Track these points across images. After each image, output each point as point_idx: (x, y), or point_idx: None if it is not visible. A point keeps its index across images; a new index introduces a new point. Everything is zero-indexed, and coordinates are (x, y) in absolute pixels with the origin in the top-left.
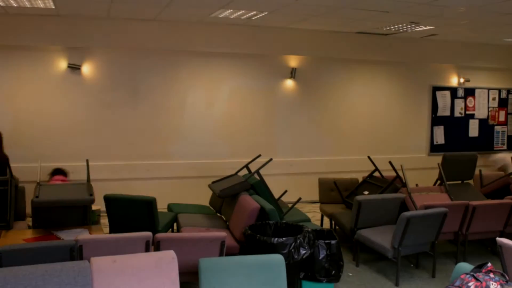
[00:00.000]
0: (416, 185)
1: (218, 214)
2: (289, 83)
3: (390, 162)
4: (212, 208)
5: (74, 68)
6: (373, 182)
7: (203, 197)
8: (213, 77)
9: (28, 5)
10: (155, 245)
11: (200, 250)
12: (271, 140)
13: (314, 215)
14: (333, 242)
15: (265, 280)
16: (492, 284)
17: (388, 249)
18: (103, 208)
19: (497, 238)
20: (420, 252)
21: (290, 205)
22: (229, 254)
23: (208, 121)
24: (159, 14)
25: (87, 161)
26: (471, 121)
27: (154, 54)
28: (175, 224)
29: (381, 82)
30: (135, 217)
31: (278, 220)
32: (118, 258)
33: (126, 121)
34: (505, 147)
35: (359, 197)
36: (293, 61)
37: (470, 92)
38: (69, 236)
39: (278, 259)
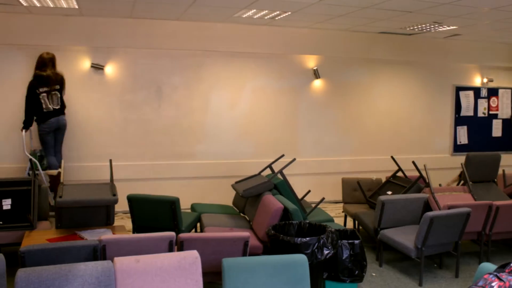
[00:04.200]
0: (440, 185)
1: (242, 214)
2: (313, 83)
3: (413, 162)
4: (235, 208)
5: (98, 68)
6: (397, 182)
7: (227, 197)
8: (236, 77)
9: (51, 5)
10: (179, 245)
11: (223, 250)
12: (294, 140)
13: (337, 215)
14: (356, 242)
15: (288, 280)
16: None
17: (412, 249)
18: (126, 208)
19: None
20: (444, 252)
21: (313, 205)
22: (252, 254)
23: (232, 121)
24: (182, 14)
25: (110, 161)
26: (494, 121)
27: (177, 54)
28: (198, 224)
29: (404, 82)
30: (158, 217)
31: (302, 220)
32: (142, 258)
33: (149, 121)
34: None
35: (382, 197)
36: (316, 61)
37: (493, 92)
38: (92, 236)
39: (301, 259)
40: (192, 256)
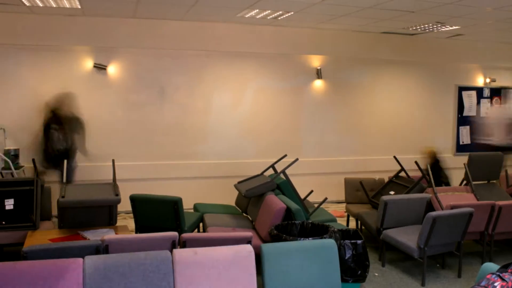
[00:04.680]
0: (442, 185)
1: (244, 214)
2: (315, 83)
3: (416, 162)
4: (238, 208)
5: (100, 68)
6: (399, 182)
7: (229, 197)
8: (239, 77)
9: (54, 5)
10: (181, 245)
11: None
12: (297, 140)
13: (340, 214)
14: (359, 242)
15: (320, 261)
16: None
17: (414, 249)
18: (129, 209)
19: None
20: (446, 252)
21: (316, 205)
22: (255, 254)
23: (234, 121)
24: (185, 14)
25: (113, 161)
26: None
27: (180, 54)
28: (201, 224)
29: (407, 82)
30: (161, 217)
31: (304, 220)
32: (199, 250)
33: (152, 121)
34: None
35: (385, 197)
36: (318, 61)
37: (496, 92)
38: (95, 236)
39: (330, 243)
40: (246, 250)
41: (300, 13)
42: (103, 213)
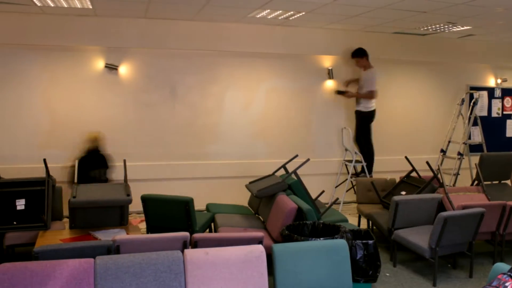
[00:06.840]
0: (453, 185)
1: (256, 214)
2: (326, 83)
3: (427, 162)
4: (250, 208)
5: (112, 68)
6: (411, 182)
7: (241, 197)
8: (250, 78)
9: (65, 5)
10: (193, 245)
11: None
12: (308, 140)
13: (351, 215)
14: (370, 242)
15: (332, 262)
16: None
17: (426, 249)
18: (140, 209)
19: None
20: (458, 252)
21: (327, 206)
22: (266, 254)
23: (246, 121)
24: (196, 14)
25: (124, 161)
26: (508, 121)
27: (191, 54)
28: (212, 225)
29: (418, 82)
30: (173, 217)
31: (316, 220)
32: (210, 250)
33: (164, 121)
34: None
35: (396, 197)
36: (330, 61)
37: (507, 92)
38: (106, 236)
39: (342, 243)
40: (258, 250)
41: (311, 14)
42: (114, 213)
